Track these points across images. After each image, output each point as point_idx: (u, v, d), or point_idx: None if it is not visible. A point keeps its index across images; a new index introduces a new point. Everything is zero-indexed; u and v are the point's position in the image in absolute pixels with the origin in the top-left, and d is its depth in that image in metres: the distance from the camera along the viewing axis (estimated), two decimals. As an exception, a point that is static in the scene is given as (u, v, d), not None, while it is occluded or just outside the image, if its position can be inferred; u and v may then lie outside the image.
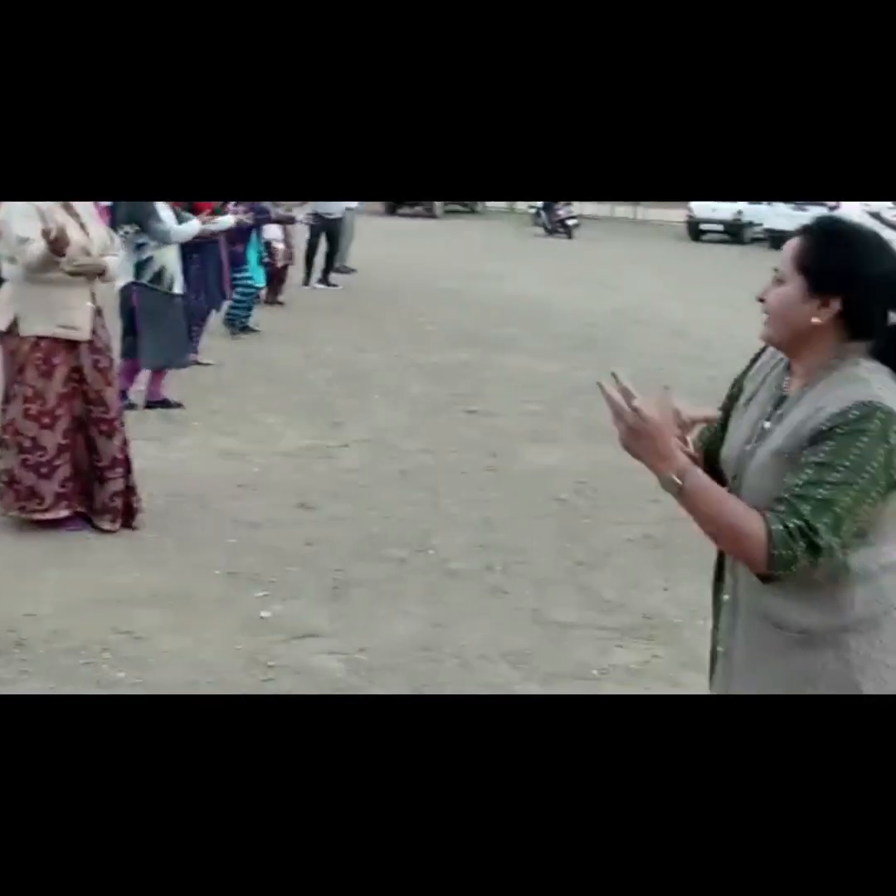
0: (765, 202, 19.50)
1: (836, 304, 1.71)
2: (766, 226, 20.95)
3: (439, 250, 16.08)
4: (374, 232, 13.82)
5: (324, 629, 3.77)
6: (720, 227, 22.24)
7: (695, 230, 22.43)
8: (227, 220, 7.44)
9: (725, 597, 1.88)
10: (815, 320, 1.72)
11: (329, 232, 11.59)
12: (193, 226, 6.62)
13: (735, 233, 22.10)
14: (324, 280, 11.80)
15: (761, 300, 1.79)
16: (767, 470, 1.74)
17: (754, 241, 21.51)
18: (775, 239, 19.52)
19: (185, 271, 6.70)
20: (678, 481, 1.66)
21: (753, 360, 1.94)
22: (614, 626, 3.93)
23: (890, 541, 1.75)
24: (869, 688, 1.75)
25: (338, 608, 3.96)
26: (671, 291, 13.45)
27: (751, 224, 21.94)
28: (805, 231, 1.77)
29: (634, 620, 3.97)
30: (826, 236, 1.75)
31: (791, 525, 1.62)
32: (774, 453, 1.74)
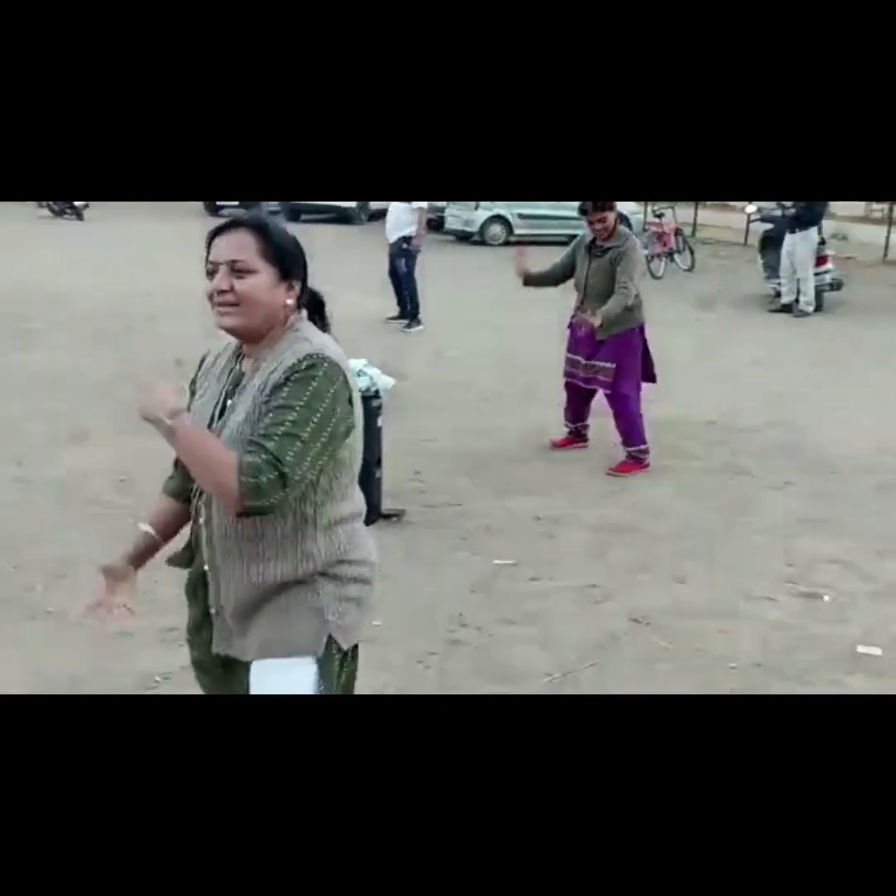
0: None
1: (297, 285, 2.01)
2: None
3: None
4: None
5: None
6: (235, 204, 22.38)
7: (212, 206, 22.38)
8: None
9: (206, 567, 2.12)
10: (288, 301, 2.00)
11: None
12: None
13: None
14: None
15: (223, 292, 1.95)
16: (236, 439, 1.93)
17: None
18: (293, 211, 20.18)
19: None
20: (170, 424, 1.86)
21: (200, 366, 2.19)
22: (176, 625, 3.80)
23: (345, 494, 2.08)
24: (332, 618, 2.10)
25: None
26: (196, 268, 13.23)
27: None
28: (244, 225, 1.98)
29: (195, 615, 3.87)
30: (272, 229, 1.99)
31: (260, 458, 1.85)
32: (242, 422, 1.96)
